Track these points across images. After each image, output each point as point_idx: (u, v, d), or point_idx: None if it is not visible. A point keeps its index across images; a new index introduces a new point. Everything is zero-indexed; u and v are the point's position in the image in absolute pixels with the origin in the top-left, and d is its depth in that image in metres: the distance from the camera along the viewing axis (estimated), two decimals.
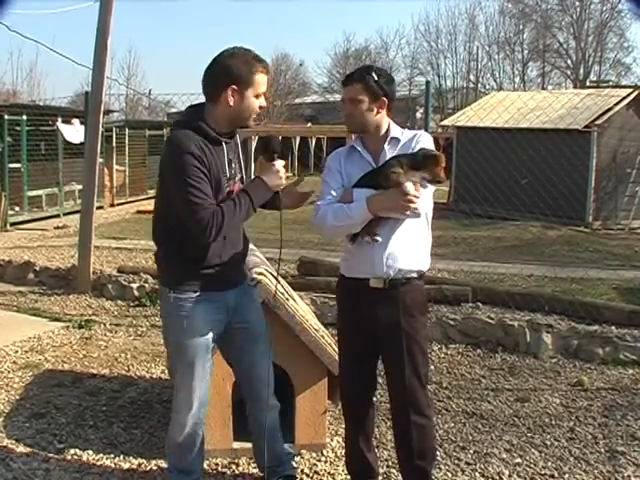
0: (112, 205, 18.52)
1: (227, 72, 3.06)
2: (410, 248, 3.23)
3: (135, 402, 4.84)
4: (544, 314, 6.97)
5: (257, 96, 3.12)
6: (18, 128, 14.92)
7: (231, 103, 3.07)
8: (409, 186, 3.04)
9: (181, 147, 3.02)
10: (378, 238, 3.16)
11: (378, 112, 3.23)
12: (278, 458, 3.59)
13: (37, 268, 8.68)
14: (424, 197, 3.16)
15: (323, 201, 3.25)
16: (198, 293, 3.19)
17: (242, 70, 3.06)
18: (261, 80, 3.11)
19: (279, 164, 3.15)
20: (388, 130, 3.28)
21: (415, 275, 3.27)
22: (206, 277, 3.18)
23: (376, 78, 3.18)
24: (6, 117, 14.45)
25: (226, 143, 3.16)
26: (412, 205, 3.06)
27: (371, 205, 3.11)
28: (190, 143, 3.02)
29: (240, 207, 3.07)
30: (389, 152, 3.23)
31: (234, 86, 3.05)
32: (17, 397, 4.88)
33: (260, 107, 3.16)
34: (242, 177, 3.30)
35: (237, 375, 3.54)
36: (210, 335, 3.24)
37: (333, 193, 3.25)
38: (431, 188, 3.23)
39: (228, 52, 3.11)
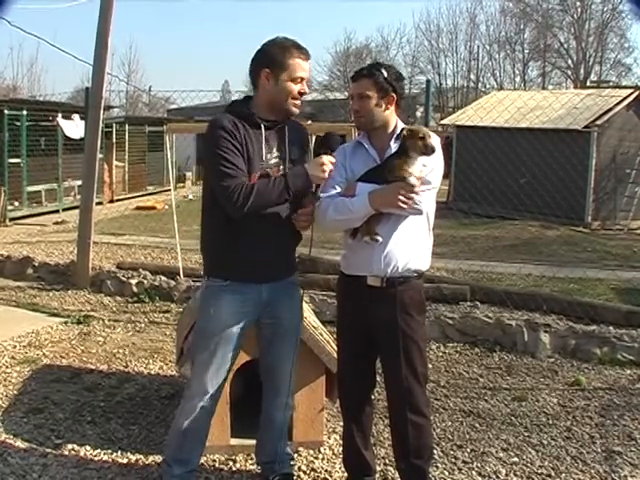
0: (111, 201, 18.51)
1: (263, 57, 3.17)
2: (409, 247, 3.23)
3: (133, 398, 4.84)
4: (542, 314, 6.98)
5: (294, 80, 3.15)
6: (18, 123, 14.91)
7: (267, 87, 3.16)
8: (413, 180, 3.07)
9: (215, 123, 3.14)
10: (378, 238, 3.16)
11: (386, 108, 3.24)
12: (278, 456, 3.61)
13: (36, 263, 8.69)
14: (426, 195, 3.17)
15: (325, 194, 3.25)
16: (228, 282, 3.23)
17: (277, 54, 3.14)
18: (297, 64, 3.15)
19: (326, 158, 3.14)
20: (395, 127, 3.29)
21: (413, 274, 3.27)
22: (238, 267, 3.21)
23: (385, 74, 3.20)
24: (6, 112, 14.44)
25: (267, 128, 3.20)
26: (413, 197, 3.07)
27: (373, 200, 3.11)
28: (223, 120, 3.15)
29: (273, 184, 3.10)
30: (395, 149, 3.23)
31: (267, 69, 3.14)
32: (15, 392, 4.88)
33: (300, 92, 3.18)
34: (286, 168, 3.24)
35: (261, 368, 3.54)
36: (235, 326, 3.25)
37: (336, 187, 3.25)
38: (434, 190, 3.23)
39: (270, 40, 3.21)
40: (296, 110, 3.23)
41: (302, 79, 3.18)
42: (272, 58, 3.15)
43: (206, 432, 3.42)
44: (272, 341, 3.42)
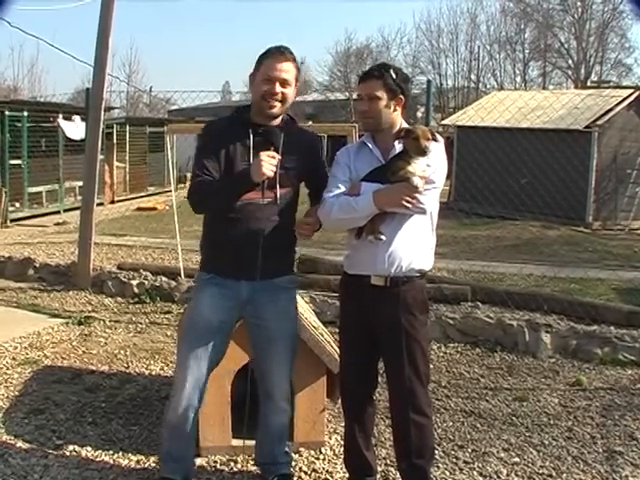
0: (112, 202, 18.51)
1: None
2: (413, 247, 3.23)
3: (134, 399, 4.84)
4: (543, 314, 6.97)
5: (265, 80, 3.20)
6: (19, 124, 14.91)
7: (251, 90, 3.29)
8: (416, 180, 3.06)
9: (204, 126, 3.38)
10: (382, 237, 3.16)
11: (395, 110, 3.26)
12: (274, 457, 3.62)
13: (37, 264, 8.69)
14: (430, 195, 3.17)
15: (330, 193, 3.25)
16: (211, 275, 3.35)
17: (259, 57, 3.25)
18: (268, 63, 3.20)
19: (263, 154, 3.12)
20: (400, 129, 3.29)
21: (417, 274, 3.28)
22: (216, 261, 3.34)
23: (394, 76, 3.21)
24: (7, 113, 14.44)
25: (256, 132, 3.26)
26: (418, 197, 3.07)
27: (377, 199, 3.11)
28: (211, 124, 3.40)
29: (218, 183, 3.21)
30: (399, 150, 3.23)
31: (252, 72, 3.27)
32: (16, 393, 4.89)
33: (270, 92, 3.19)
34: (277, 175, 3.23)
35: (254, 370, 3.57)
36: (214, 318, 3.31)
37: (340, 186, 3.25)
38: (438, 189, 3.24)
39: None
40: (270, 112, 3.24)
41: (274, 79, 3.19)
42: (256, 61, 3.25)
43: (192, 427, 3.43)
44: (260, 343, 3.44)
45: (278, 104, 3.23)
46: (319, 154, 3.53)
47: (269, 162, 3.10)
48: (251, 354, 3.70)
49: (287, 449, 3.67)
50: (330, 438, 4.24)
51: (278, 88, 3.20)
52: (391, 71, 3.22)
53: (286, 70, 3.22)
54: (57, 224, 14.38)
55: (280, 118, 3.33)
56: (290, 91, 3.26)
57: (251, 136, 3.25)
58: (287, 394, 3.52)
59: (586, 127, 15.35)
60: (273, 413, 3.52)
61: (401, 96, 3.24)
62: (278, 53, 3.21)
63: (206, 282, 3.37)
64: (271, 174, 3.13)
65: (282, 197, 3.31)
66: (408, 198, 3.07)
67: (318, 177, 3.46)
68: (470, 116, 17.84)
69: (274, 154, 3.15)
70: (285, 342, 3.42)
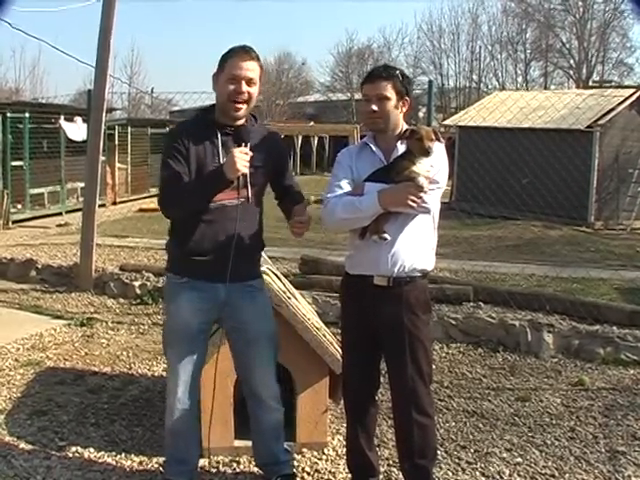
0: (114, 203, 18.53)
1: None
2: (416, 247, 3.24)
3: (137, 400, 4.84)
4: (545, 314, 6.97)
5: (230, 80, 3.17)
6: (20, 126, 14.91)
7: (215, 90, 3.24)
8: (422, 180, 3.08)
9: (169, 129, 3.36)
10: (386, 236, 3.17)
11: (401, 111, 3.28)
12: (274, 457, 3.61)
13: (39, 266, 8.68)
14: (433, 195, 3.19)
15: (332, 194, 3.25)
16: (186, 279, 3.30)
17: (222, 57, 3.20)
18: (233, 62, 3.17)
19: (236, 150, 3.11)
20: (402, 129, 3.30)
21: (419, 274, 3.28)
22: (192, 264, 3.26)
23: (401, 78, 3.22)
24: (9, 115, 14.45)
25: (224, 133, 3.23)
26: (423, 197, 3.08)
27: (382, 199, 3.11)
28: (176, 127, 3.34)
29: (190, 185, 3.17)
30: (401, 151, 3.24)
31: (215, 73, 3.23)
32: (19, 394, 4.89)
33: (236, 91, 3.17)
34: (247, 175, 3.24)
35: (238, 373, 3.58)
36: (196, 323, 3.31)
37: (343, 186, 3.25)
38: (440, 189, 3.24)
39: None
40: (236, 114, 3.22)
41: (240, 78, 3.16)
42: (219, 61, 3.22)
43: (193, 430, 3.49)
44: (240, 347, 3.43)
45: (244, 105, 3.21)
46: (285, 152, 3.60)
47: (242, 158, 3.09)
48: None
49: (286, 447, 3.67)
50: (333, 439, 4.24)
51: (244, 87, 3.17)
52: (398, 72, 3.24)
53: (251, 69, 3.19)
54: (59, 225, 14.37)
55: (244, 118, 3.32)
56: (255, 90, 3.24)
57: (219, 135, 3.23)
58: (276, 393, 3.51)
59: (588, 127, 15.35)
60: (264, 413, 3.51)
61: (407, 97, 3.27)
62: (242, 52, 3.18)
63: (182, 286, 3.31)
64: (246, 170, 3.12)
65: (253, 197, 3.31)
66: (414, 198, 3.08)
67: (285, 176, 3.49)
68: (472, 116, 17.85)
69: (246, 150, 3.15)
70: (266, 342, 3.41)
